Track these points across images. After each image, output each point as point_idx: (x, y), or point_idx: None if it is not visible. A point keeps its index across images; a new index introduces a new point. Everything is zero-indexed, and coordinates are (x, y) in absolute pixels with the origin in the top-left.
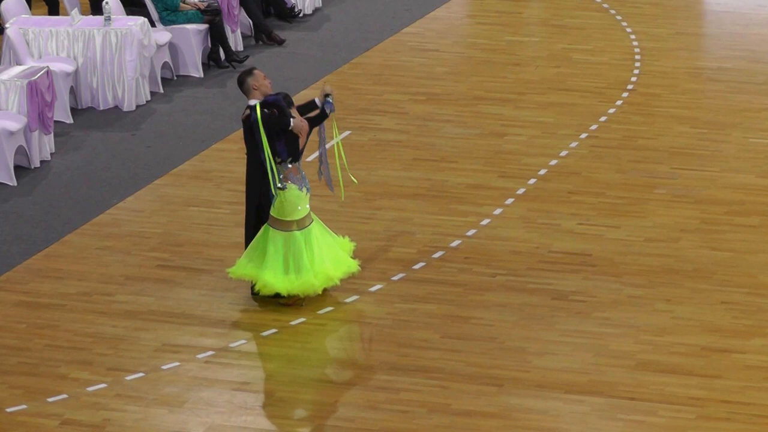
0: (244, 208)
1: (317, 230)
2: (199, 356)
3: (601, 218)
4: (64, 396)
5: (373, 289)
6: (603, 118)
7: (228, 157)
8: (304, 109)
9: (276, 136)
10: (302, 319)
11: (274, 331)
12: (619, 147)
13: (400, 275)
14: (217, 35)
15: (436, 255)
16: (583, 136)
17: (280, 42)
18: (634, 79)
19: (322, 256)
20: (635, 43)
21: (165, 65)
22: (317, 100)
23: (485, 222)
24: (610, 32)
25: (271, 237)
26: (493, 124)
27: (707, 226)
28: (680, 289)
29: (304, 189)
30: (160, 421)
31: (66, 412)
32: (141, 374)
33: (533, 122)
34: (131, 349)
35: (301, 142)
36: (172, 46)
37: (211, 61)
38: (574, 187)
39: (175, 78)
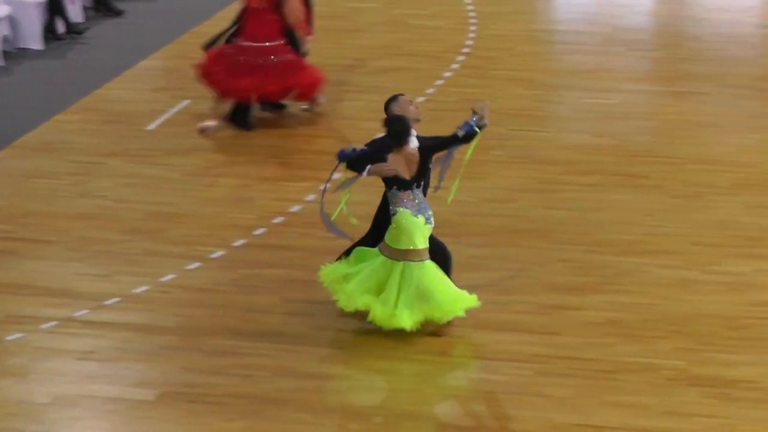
0: (88, 179)
1: (426, 270)
2: (44, 326)
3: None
4: None
5: (214, 255)
6: (439, 82)
7: (69, 128)
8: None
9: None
10: (145, 288)
11: (117, 299)
12: (456, 109)
13: (241, 241)
14: (56, 7)
15: (277, 221)
16: (421, 99)
17: (119, 13)
18: (470, 42)
19: (410, 297)
20: (470, 8)
21: (5, 38)
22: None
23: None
24: None
25: (376, 263)
26: (332, 90)
27: (544, 185)
28: (519, 249)
29: (421, 217)
30: (7, 392)
31: None
32: None
33: (372, 87)
34: None
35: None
36: (11, 19)
37: (48, 32)
38: None
39: (15, 51)
